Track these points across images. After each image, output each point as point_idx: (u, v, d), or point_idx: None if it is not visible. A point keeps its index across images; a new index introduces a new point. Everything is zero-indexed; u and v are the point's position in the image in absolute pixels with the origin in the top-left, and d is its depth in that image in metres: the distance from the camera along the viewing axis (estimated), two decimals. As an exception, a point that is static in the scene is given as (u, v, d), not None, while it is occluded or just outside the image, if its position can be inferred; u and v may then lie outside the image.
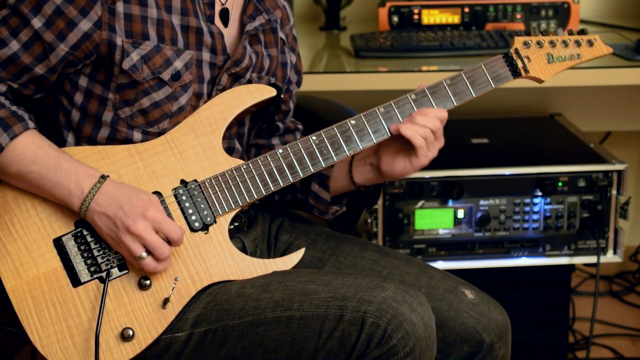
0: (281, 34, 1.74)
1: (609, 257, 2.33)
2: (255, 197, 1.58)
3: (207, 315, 1.53)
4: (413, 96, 1.63)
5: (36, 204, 1.54)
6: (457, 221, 2.28)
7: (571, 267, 2.38)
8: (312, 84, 2.19)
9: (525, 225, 2.30)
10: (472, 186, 2.27)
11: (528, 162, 2.31)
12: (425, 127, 1.59)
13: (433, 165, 2.28)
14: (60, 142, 1.59)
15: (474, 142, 2.49)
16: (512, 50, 1.67)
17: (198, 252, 1.55)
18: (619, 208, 2.30)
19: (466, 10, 2.54)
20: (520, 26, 2.54)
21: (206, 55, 1.58)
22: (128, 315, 1.51)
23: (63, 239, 1.53)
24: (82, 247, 1.53)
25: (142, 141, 1.58)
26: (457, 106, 1.65)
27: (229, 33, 1.65)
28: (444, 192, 2.26)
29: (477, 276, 2.31)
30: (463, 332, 1.63)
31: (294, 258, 1.61)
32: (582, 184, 2.29)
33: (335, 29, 2.73)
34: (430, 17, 2.55)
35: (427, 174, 2.26)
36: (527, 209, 2.29)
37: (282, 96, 1.69)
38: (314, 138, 1.60)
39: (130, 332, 1.50)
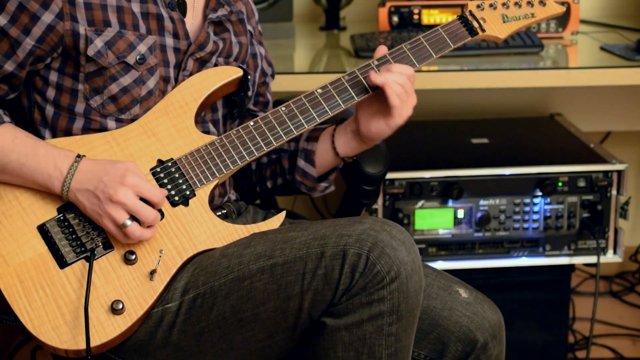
0: (248, 27, 1.79)
1: (609, 257, 2.33)
2: (232, 167, 1.62)
3: (194, 281, 1.55)
4: (375, 62, 1.68)
5: (17, 194, 1.58)
6: (457, 221, 2.29)
7: (571, 267, 2.38)
8: (312, 84, 2.19)
9: (525, 225, 2.30)
10: (472, 186, 2.27)
11: (528, 162, 2.31)
12: (399, 75, 1.63)
13: (433, 165, 2.30)
14: None
15: (474, 142, 2.49)
16: (466, 12, 1.74)
17: (180, 224, 1.58)
18: (619, 208, 2.30)
19: (466, 10, 2.54)
20: (520, 26, 2.54)
21: (169, 41, 1.63)
22: (117, 290, 1.53)
23: (47, 224, 1.56)
24: (66, 231, 1.56)
25: (116, 129, 1.62)
26: (418, 68, 1.69)
27: (193, 22, 1.69)
28: (444, 192, 2.26)
29: (477, 276, 2.32)
30: (457, 331, 1.63)
31: (275, 221, 1.64)
32: (582, 184, 2.29)
33: (335, 29, 2.73)
34: (430, 17, 2.55)
35: (427, 174, 2.26)
36: (527, 209, 2.29)
37: (249, 77, 1.73)
38: (284, 108, 1.66)
39: (120, 305, 1.52)
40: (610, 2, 2.86)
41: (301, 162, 1.77)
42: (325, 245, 1.49)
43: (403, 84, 1.63)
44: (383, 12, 2.54)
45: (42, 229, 1.56)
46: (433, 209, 2.28)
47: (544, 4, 1.78)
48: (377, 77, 1.63)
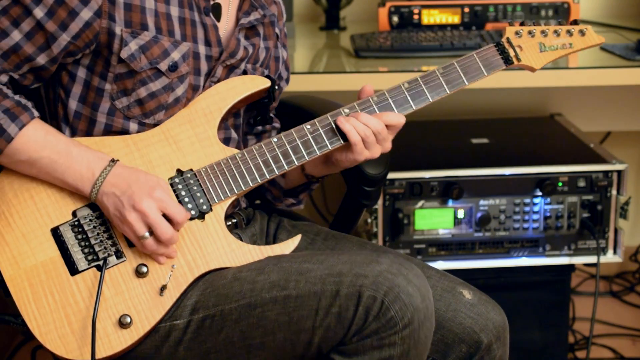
0: (276, 29, 1.76)
1: (609, 257, 2.33)
2: (251, 184, 1.59)
3: (204, 301, 1.54)
4: (406, 84, 1.65)
5: (33, 194, 1.55)
6: (457, 221, 2.28)
7: (571, 267, 2.38)
8: (312, 84, 2.19)
9: (525, 225, 2.30)
10: (472, 186, 2.27)
11: (528, 162, 2.31)
12: (367, 127, 1.60)
13: (433, 165, 2.30)
14: None
15: (474, 142, 2.49)
16: (503, 39, 1.69)
17: (195, 239, 1.57)
18: (619, 208, 2.30)
19: (466, 10, 2.55)
20: (520, 26, 2.54)
21: (202, 48, 1.61)
22: (125, 302, 1.52)
23: (60, 228, 1.55)
24: (80, 237, 1.54)
25: (137, 132, 1.60)
26: (450, 94, 1.66)
27: (225, 27, 1.66)
28: (444, 192, 2.26)
29: (477, 276, 2.31)
30: (461, 332, 1.63)
31: (290, 244, 1.62)
32: (582, 184, 2.29)
33: (335, 29, 2.73)
34: (430, 17, 2.55)
35: (427, 174, 2.26)
36: (527, 209, 2.29)
37: (275, 88, 1.71)
38: (308, 127, 1.62)
39: (128, 319, 1.51)
40: (610, 2, 2.86)
41: None
42: (341, 284, 1.48)
43: (377, 133, 1.60)
44: (383, 12, 2.54)
45: (56, 233, 1.54)
46: (433, 209, 2.27)
47: (583, 34, 1.71)
48: (343, 124, 1.59)
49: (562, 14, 2.56)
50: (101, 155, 1.53)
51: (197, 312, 1.53)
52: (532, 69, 1.71)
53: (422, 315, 1.47)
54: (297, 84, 2.15)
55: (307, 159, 1.61)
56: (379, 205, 2.25)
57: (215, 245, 1.57)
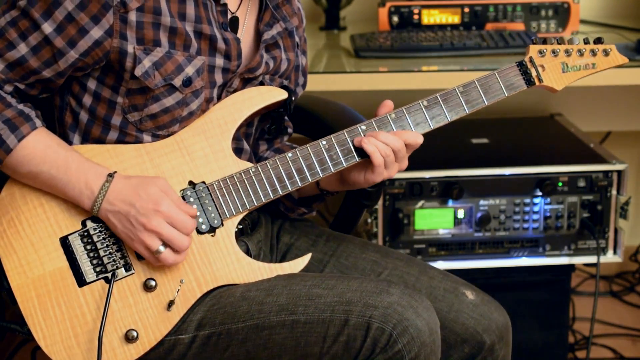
0: (296, 38, 1.73)
1: (609, 257, 2.33)
2: (264, 200, 1.57)
3: (211, 318, 1.53)
4: (425, 102, 1.62)
5: (44, 201, 1.54)
6: (457, 221, 2.28)
7: (571, 267, 2.38)
8: (312, 84, 2.18)
9: (525, 225, 2.30)
10: (472, 186, 2.27)
11: (528, 162, 2.30)
12: (387, 146, 1.57)
13: (433, 165, 2.30)
14: (65, 142, 1.58)
15: (474, 142, 2.49)
16: (526, 59, 1.64)
17: (204, 254, 1.55)
18: (619, 208, 2.30)
19: (466, 10, 2.55)
20: (520, 26, 2.54)
21: (219, 61, 1.58)
22: (132, 316, 1.51)
23: (69, 237, 1.53)
24: (88, 247, 1.53)
25: (151, 142, 1.58)
26: (469, 114, 1.64)
27: (244, 39, 1.64)
28: (444, 192, 2.26)
29: (477, 276, 2.31)
30: (463, 333, 1.63)
31: (299, 263, 1.61)
32: (582, 184, 2.29)
33: (335, 29, 2.73)
34: (430, 17, 2.55)
35: (427, 174, 2.26)
36: (527, 209, 2.29)
37: (293, 99, 1.67)
38: (324, 142, 1.59)
39: (135, 334, 1.50)
40: (610, 2, 2.86)
41: None
42: (350, 313, 1.48)
43: (397, 151, 1.57)
44: (383, 12, 2.54)
45: (65, 242, 1.53)
46: (433, 209, 2.27)
47: (607, 54, 1.67)
48: (367, 145, 1.56)
49: (562, 14, 2.55)
50: (98, 171, 1.51)
51: (203, 328, 1.53)
52: (554, 90, 1.66)
53: (428, 349, 1.48)
54: (297, 84, 2.15)
55: (321, 175, 1.59)
56: (379, 205, 2.25)
57: (224, 261, 1.56)
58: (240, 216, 1.58)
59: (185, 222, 1.50)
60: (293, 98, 1.68)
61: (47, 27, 1.47)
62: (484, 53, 2.35)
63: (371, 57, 2.34)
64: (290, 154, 1.58)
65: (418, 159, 2.35)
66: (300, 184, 1.58)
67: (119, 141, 1.57)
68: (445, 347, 1.63)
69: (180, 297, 1.53)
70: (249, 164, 1.58)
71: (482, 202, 2.28)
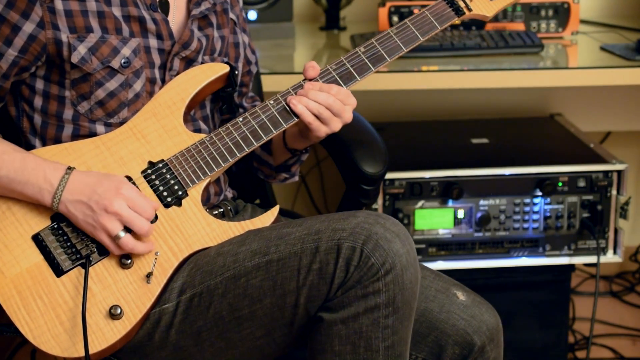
0: (232, 15, 1.78)
1: (609, 257, 2.33)
2: (223, 165, 1.62)
3: (190, 281, 1.55)
4: (362, 49, 1.66)
5: (10, 205, 1.57)
6: (457, 221, 2.29)
7: (571, 267, 2.38)
8: (312, 83, 2.19)
9: (525, 225, 2.30)
10: (472, 186, 2.27)
11: (528, 162, 2.31)
12: (319, 104, 1.62)
13: (433, 165, 2.30)
14: (29, 149, 1.62)
15: (474, 142, 2.49)
16: None
17: (174, 225, 1.58)
18: (619, 208, 2.30)
19: (466, 10, 2.54)
20: (520, 26, 2.54)
21: (153, 42, 1.63)
22: (114, 294, 1.53)
23: (41, 234, 1.56)
24: (61, 239, 1.55)
25: (106, 133, 1.62)
26: (407, 52, 1.68)
27: (175, 19, 1.69)
28: (444, 192, 2.26)
29: (477, 276, 2.32)
30: (454, 334, 1.63)
31: (269, 216, 1.63)
32: (582, 184, 2.29)
33: (335, 29, 2.73)
34: (430, 17, 2.55)
35: (427, 174, 2.26)
36: (527, 209, 2.29)
37: (236, 73, 1.72)
38: (272, 102, 1.64)
39: (119, 310, 1.52)
40: (610, 2, 2.86)
41: (257, 150, 1.79)
42: (320, 240, 1.49)
43: (329, 106, 1.62)
44: (383, 12, 2.54)
45: (37, 239, 1.55)
46: (433, 209, 2.28)
47: None
48: (295, 106, 1.61)
49: (562, 14, 2.56)
50: (57, 165, 1.54)
51: (185, 292, 1.55)
52: (485, 17, 1.74)
53: (404, 259, 1.47)
54: (297, 84, 2.15)
55: (265, 139, 1.62)
56: (379, 205, 2.25)
57: (195, 228, 1.59)
58: (203, 183, 1.61)
59: (145, 206, 1.53)
60: (236, 72, 1.72)
61: None
62: (484, 53, 2.35)
63: (371, 57, 2.34)
64: (241, 119, 1.63)
65: (418, 159, 2.37)
66: (256, 144, 1.62)
67: (74, 136, 1.62)
68: (437, 348, 1.63)
69: (158, 268, 1.55)
70: (203, 135, 1.63)
71: (482, 202, 2.28)
